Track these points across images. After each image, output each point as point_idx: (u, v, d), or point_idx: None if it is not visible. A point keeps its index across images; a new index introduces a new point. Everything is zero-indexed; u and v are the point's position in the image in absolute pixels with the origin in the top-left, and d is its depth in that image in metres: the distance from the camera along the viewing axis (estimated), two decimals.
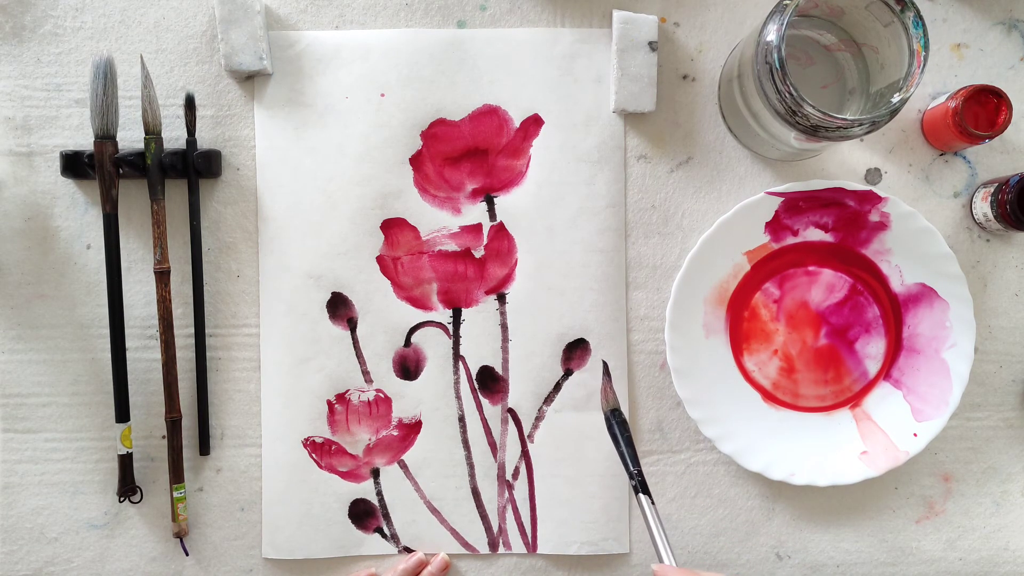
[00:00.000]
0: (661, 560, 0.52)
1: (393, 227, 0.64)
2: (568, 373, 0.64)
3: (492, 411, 0.65)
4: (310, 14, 0.64)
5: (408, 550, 0.65)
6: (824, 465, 0.63)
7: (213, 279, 0.64)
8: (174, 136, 0.64)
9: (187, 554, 0.64)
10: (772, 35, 0.52)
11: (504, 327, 0.64)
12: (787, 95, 0.52)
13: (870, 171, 0.65)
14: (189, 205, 0.63)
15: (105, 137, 0.61)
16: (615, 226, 0.64)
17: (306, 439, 0.64)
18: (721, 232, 0.62)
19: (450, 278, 0.64)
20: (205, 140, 0.64)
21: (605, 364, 0.63)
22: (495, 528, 0.65)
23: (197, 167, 0.62)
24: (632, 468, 0.56)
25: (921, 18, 0.52)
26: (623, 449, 0.58)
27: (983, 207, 0.63)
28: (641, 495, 0.55)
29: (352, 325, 0.64)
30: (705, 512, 0.65)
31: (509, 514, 0.65)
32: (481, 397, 0.65)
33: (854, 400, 0.64)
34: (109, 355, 0.62)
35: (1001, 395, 0.65)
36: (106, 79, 0.60)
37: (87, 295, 0.64)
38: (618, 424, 0.59)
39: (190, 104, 0.62)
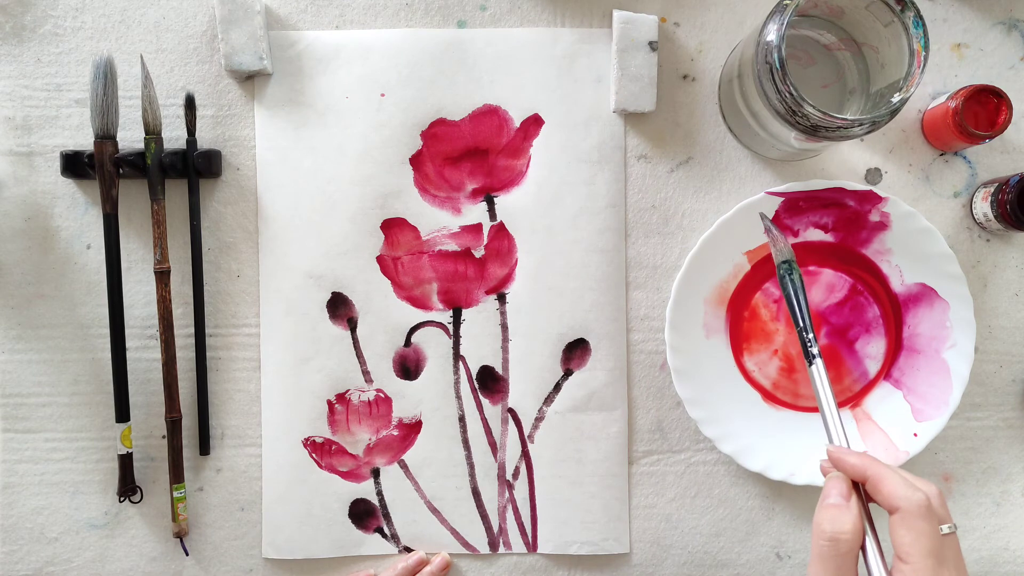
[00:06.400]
0: (831, 440, 0.46)
1: (393, 227, 0.64)
2: (568, 373, 0.64)
3: (492, 411, 0.65)
4: (310, 14, 0.64)
5: (408, 550, 0.65)
6: None
7: (213, 279, 0.64)
8: (174, 136, 0.64)
9: (187, 554, 0.64)
10: (772, 35, 0.52)
11: (504, 327, 0.64)
12: (787, 95, 0.52)
13: (870, 171, 0.65)
14: (189, 205, 0.63)
15: (105, 137, 0.61)
16: (615, 226, 0.64)
17: (306, 439, 0.64)
18: (721, 232, 0.62)
19: (450, 278, 0.64)
20: (205, 140, 0.64)
21: (762, 215, 0.54)
22: (495, 528, 0.65)
23: (197, 167, 0.62)
24: (806, 333, 0.49)
25: (921, 18, 0.52)
26: (798, 310, 0.50)
27: (983, 207, 0.63)
28: (813, 366, 0.47)
29: (352, 325, 0.64)
30: (705, 512, 0.65)
31: (509, 514, 0.65)
32: (481, 397, 0.65)
33: (854, 400, 0.64)
34: (109, 355, 0.62)
35: (1001, 395, 0.65)
36: (106, 79, 0.60)
37: (87, 295, 0.64)
38: (792, 280, 0.50)
39: (190, 104, 0.62)
